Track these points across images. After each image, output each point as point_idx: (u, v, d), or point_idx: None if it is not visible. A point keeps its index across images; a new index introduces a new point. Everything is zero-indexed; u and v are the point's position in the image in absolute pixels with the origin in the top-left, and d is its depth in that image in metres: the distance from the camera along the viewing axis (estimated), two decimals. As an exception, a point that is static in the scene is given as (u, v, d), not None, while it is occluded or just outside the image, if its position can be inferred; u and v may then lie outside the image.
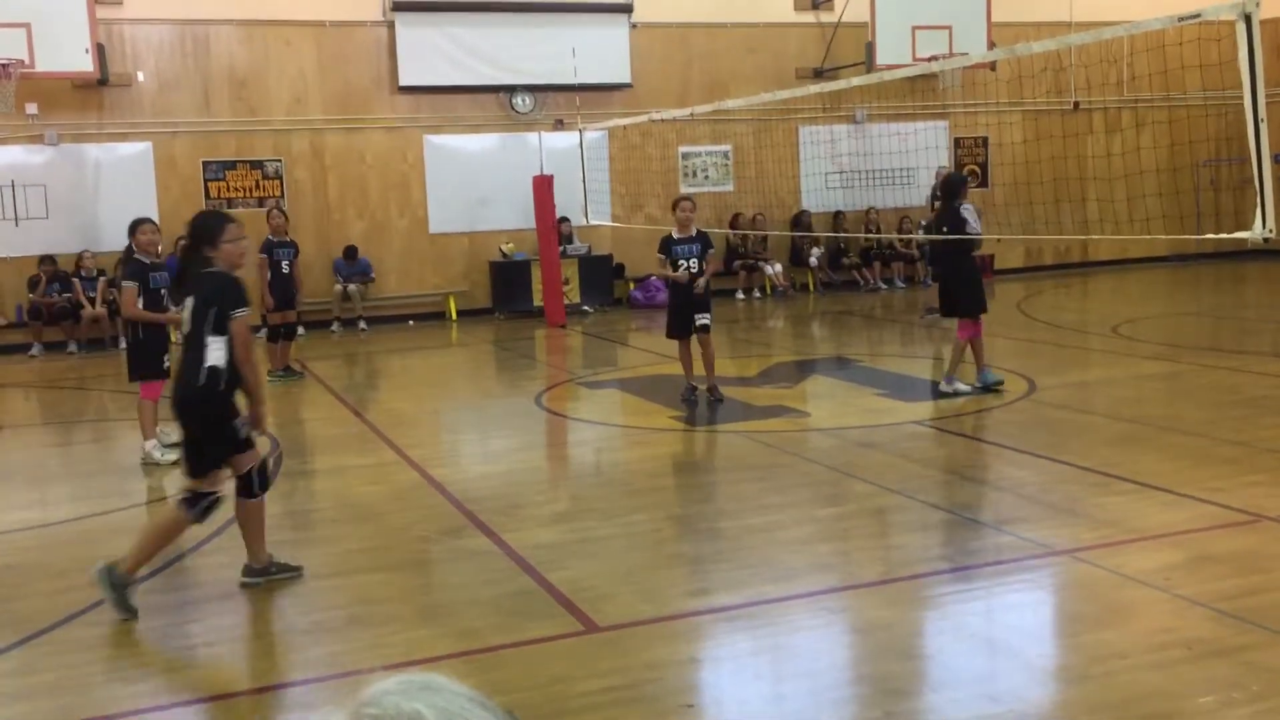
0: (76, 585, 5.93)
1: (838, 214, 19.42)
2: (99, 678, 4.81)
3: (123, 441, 10.44)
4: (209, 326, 5.45)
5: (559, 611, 5.31)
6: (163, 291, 8.79)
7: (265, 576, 5.70)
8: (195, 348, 5.48)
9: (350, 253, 17.19)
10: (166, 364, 8.80)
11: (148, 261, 8.70)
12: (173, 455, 8.66)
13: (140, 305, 8.58)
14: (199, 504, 5.54)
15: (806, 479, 7.56)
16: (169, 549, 6.06)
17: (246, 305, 5.55)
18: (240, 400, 5.66)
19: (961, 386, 9.89)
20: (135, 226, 8.83)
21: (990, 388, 9.90)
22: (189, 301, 5.59)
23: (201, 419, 5.54)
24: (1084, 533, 6.09)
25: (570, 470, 8.86)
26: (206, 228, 5.68)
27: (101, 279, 16.02)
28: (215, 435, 5.56)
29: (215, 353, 5.42)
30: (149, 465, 8.61)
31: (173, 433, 9.27)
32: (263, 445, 5.75)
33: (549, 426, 10.03)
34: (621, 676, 4.60)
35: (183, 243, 5.68)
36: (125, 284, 8.66)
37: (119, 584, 5.39)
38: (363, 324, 17.04)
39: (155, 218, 16.25)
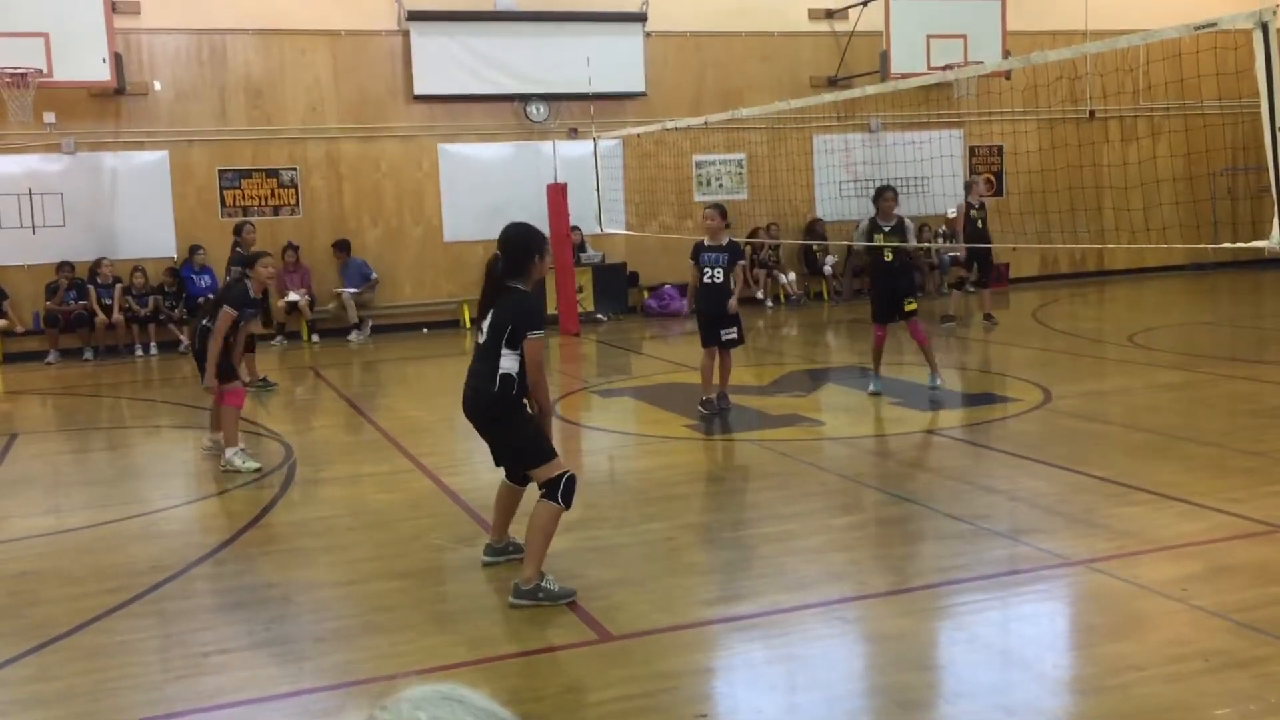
0: (91, 592, 5.96)
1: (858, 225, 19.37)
2: (113, 685, 4.81)
3: (138, 448, 10.49)
4: (505, 341, 5.56)
5: (572, 620, 5.30)
6: (240, 324, 8.94)
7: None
8: (490, 358, 5.59)
9: (341, 246, 17.17)
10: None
11: (253, 296, 8.90)
12: (254, 463, 8.67)
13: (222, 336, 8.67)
14: (558, 490, 5.52)
15: (821, 488, 7.54)
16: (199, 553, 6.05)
17: (544, 328, 5.66)
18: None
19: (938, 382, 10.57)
20: (255, 258, 9.09)
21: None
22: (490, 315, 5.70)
23: (501, 422, 5.64)
24: (1100, 543, 6.06)
25: (584, 479, 8.82)
26: (537, 238, 5.82)
27: (118, 286, 16.10)
28: (528, 427, 5.66)
29: (507, 362, 5.54)
30: (230, 472, 8.54)
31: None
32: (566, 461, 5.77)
33: (563, 435, 10.02)
34: (635, 685, 4.59)
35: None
36: (226, 309, 8.67)
37: (535, 593, 5.44)
38: (315, 336, 17.00)
39: (171, 226, 16.58)
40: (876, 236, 10.41)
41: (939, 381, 10.52)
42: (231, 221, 16.33)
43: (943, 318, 15.47)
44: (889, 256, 10.46)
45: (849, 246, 19.05)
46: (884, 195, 10.52)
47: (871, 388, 10.55)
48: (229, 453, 8.64)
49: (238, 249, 12.41)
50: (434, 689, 1.30)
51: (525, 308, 5.61)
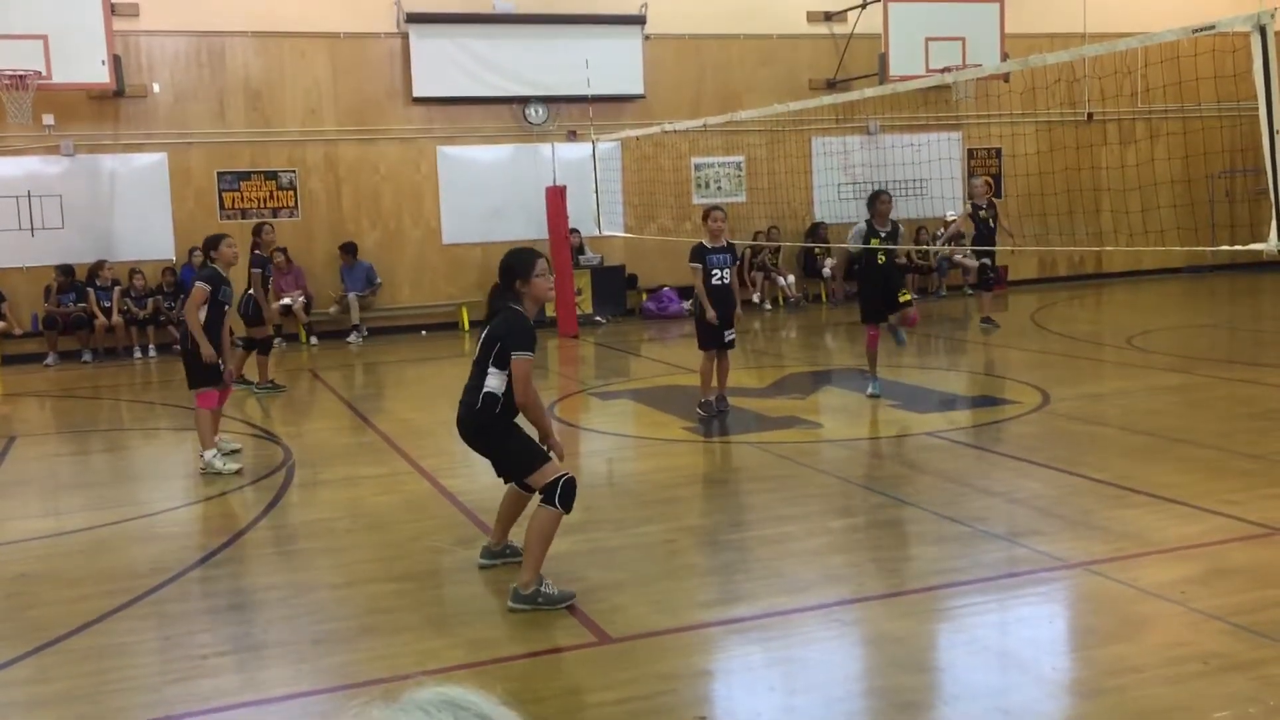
0: (90, 594, 5.96)
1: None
2: (112, 687, 4.81)
3: (137, 451, 10.49)
4: (493, 359, 5.55)
5: (571, 622, 5.30)
6: (226, 307, 8.94)
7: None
8: (478, 375, 5.60)
9: (349, 249, 17.20)
10: (222, 368, 8.95)
11: (224, 274, 8.88)
12: (234, 465, 8.69)
13: (205, 314, 8.66)
14: (555, 494, 5.50)
15: (819, 490, 7.54)
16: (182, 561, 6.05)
17: (532, 350, 5.61)
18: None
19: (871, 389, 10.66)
20: (218, 241, 9.03)
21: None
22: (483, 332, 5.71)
23: (487, 438, 5.66)
24: (1098, 545, 6.06)
25: (582, 481, 8.81)
26: (519, 263, 5.70)
27: (116, 288, 16.10)
28: (515, 438, 5.66)
29: (493, 381, 5.54)
30: (210, 475, 8.56)
31: (231, 441, 9.35)
32: (566, 465, 5.78)
33: (561, 437, 10.01)
34: (634, 688, 4.59)
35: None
36: (199, 284, 8.71)
37: (534, 597, 5.43)
38: (313, 339, 16.97)
39: (170, 228, 16.59)
40: (873, 240, 10.43)
41: (903, 336, 10.88)
42: (231, 224, 16.33)
43: (983, 320, 15.38)
44: (882, 259, 10.51)
45: (848, 250, 19.10)
46: (880, 199, 10.53)
47: (870, 390, 10.56)
48: (206, 455, 8.64)
49: (256, 250, 12.38)
50: (437, 692, 1.29)
51: (515, 327, 5.58)
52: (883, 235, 10.43)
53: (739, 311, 10.04)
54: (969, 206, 15.28)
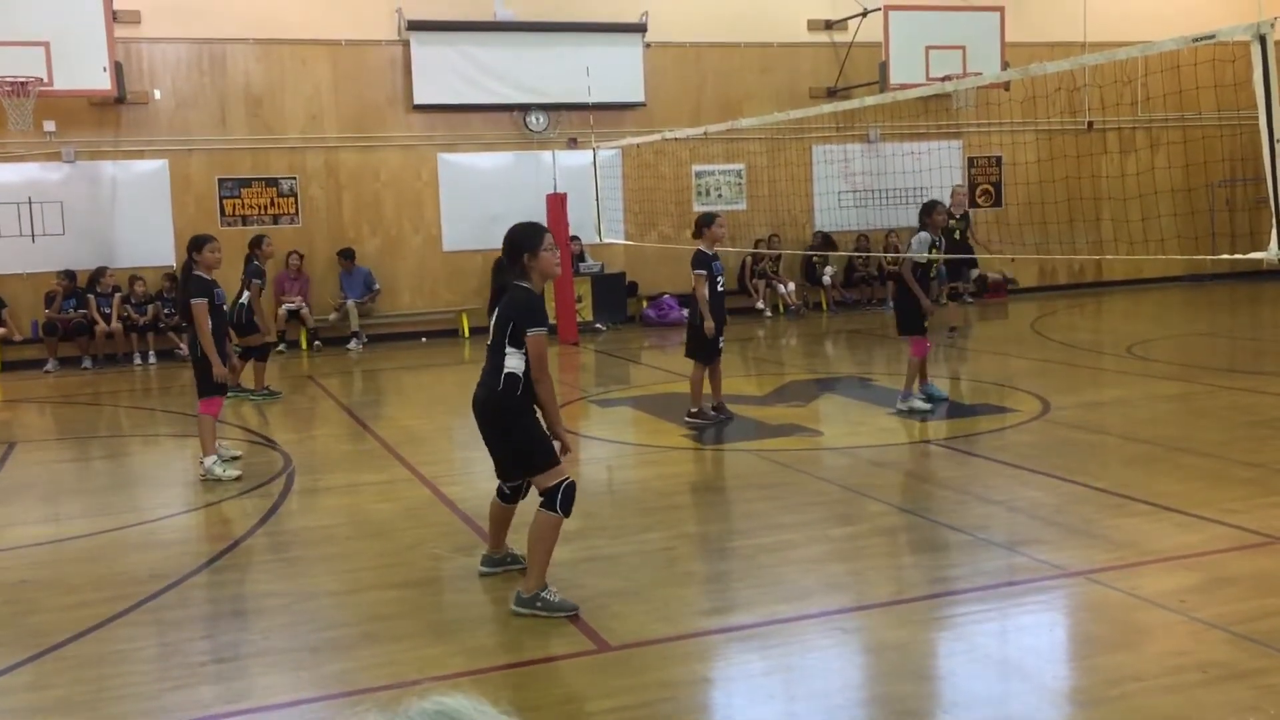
0: (89, 601, 5.95)
1: (860, 236, 19.33)
2: (111, 694, 4.81)
3: (137, 457, 10.49)
4: (509, 338, 5.54)
5: (570, 630, 5.30)
6: (225, 307, 8.99)
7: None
8: (495, 355, 5.58)
9: (347, 255, 17.20)
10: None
11: (209, 278, 8.79)
12: (234, 471, 8.69)
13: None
14: (556, 498, 5.48)
15: (819, 498, 7.54)
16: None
17: (545, 324, 5.59)
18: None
19: (918, 404, 10.15)
20: (202, 243, 8.84)
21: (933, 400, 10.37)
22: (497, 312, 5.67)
23: (506, 421, 5.59)
24: (1099, 554, 6.06)
25: (582, 488, 8.81)
26: (526, 237, 5.68)
27: (117, 295, 16.10)
28: (533, 432, 5.61)
29: (513, 361, 5.52)
30: (210, 481, 8.56)
31: (231, 448, 9.35)
32: (569, 468, 5.75)
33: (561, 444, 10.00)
34: (633, 696, 4.59)
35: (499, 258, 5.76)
36: (195, 301, 8.64)
37: (533, 601, 5.43)
38: (317, 342, 16.96)
39: (170, 235, 16.60)
40: (933, 249, 10.28)
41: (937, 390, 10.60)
42: (232, 231, 16.31)
43: (949, 329, 15.45)
44: (934, 272, 10.50)
45: (849, 258, 19.11)
46: (938, 209, 10.42)
47: (922, 404, 10.16)
48: (207, 462, 8.64)
49: (254, 261, 12.38)
50: (436, 701, 1.28)
51: (523, 304, 5.57)
52: (939, 243, 10.40)
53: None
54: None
